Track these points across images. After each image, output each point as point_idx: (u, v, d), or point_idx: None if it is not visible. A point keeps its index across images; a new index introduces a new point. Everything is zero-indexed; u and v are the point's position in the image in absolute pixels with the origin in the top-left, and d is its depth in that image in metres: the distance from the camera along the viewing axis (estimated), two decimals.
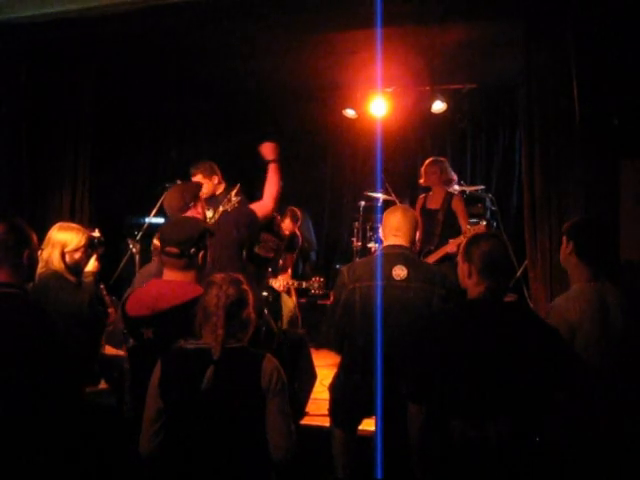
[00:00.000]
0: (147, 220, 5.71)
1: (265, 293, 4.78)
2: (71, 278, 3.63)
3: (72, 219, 5.00)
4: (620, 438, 2.53)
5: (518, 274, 5.52)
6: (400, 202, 6.47)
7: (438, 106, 7.10)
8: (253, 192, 4.01)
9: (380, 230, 3.49)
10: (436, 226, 5.33)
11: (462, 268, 2.42)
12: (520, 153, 6.20)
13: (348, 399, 3.27)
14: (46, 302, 3.26)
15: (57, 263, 3.58)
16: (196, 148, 7.63)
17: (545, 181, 4.34)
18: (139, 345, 2.70)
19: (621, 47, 4.01)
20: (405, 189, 7.53)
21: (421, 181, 5.69)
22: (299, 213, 6.20)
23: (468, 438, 2.21)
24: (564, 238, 2.80)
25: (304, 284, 5.36)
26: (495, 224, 6.51)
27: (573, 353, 2.41)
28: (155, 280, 2.83)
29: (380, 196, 6.86)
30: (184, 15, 4.58)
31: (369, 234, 7.04)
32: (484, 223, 5.19)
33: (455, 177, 5.74)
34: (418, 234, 3.36)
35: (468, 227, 4.98)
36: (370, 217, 7.15)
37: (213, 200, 4.73)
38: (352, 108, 7.57)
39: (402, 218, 3.31)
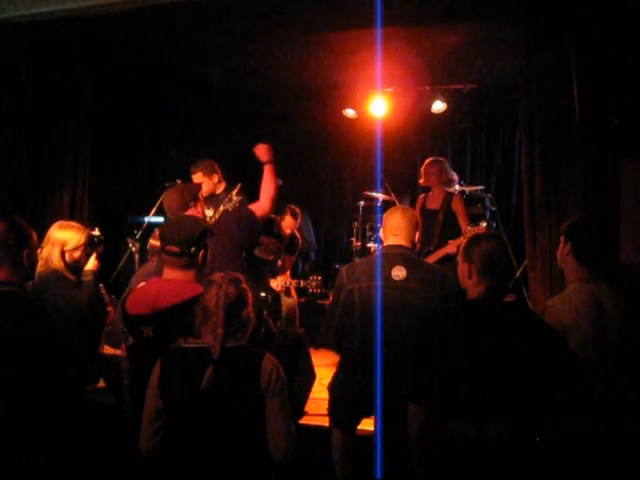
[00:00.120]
0: (147, 219, 5.71)
1: (263, 294, 4.79)
2: (71, 277, 3.64)
3: (72, 218, 4.99)
4: (620, 438, 2.53)
5: (517, 274, 5.52)
6: (400, 202, 6.47)
7: (438, 106, 7.10)
8: (254, 191, 4.01)
9: (380, 231, 3.50)
10: (435, 226, 5.33)
11: (462, 268, 2.42)
12: (520, 153, 6.20)
13: (347, 399, 3.27)
14: (45, 301, 3.27)
15: (57, 262, 3.59)
16: (196, 148, 7.63)
17: (545, 181, 4.34)
18: (139, 344, 2.71)
19: (621, 47, 4.01)
20: (405, 189, 7.53)
21: (421, 181, 5.69)
22: (298, 211, 6.20)
23: (468, 438, 2.21)
24: (562, 238, 2.79)
25: (302, 283, 5.37)
26: (495, 224, 6.51)
27: (573, 353, 2.41)
28: (155, 279, 2.84)
29: (380, 196, 6.85)
30: (184, 15, 4.57)
31: (368, 234, 7.04)
32: (484, 225, 5.18)
33: (455, 177, 5.75)
34: (418, 234, 3.36)
35: (468, 228, 4.98)
36: (370, 217, 7.15)
37: (213, 199, 4.73)
38: (352, 108, 7.57)
39: (401, 218, 3.31)
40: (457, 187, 5.76)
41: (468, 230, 4.90)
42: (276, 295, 5.35)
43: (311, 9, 4.53)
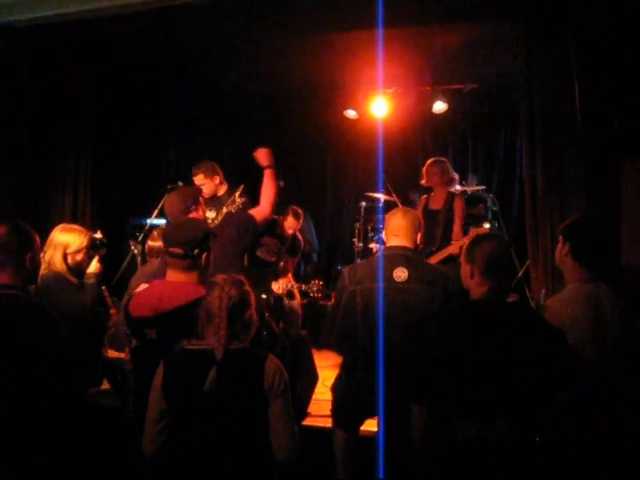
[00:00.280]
0: (149, 221, 5.72)
1: (264, 296, 4.79)
2: (73, 279, 3.64)
3: (74, 221, 5.00)
4: (620, 438, 2.53)
5: (520, 274, 5.52)
6: (401, 203, 6.47)
7: (439, 106, 7.10)
8: (255, 193, 4.02)
9: (383, 232, 3.50)
10: (437, 227, 5.34)
11: (465, 269, 2.42)
12: (521, 153, 6.20)
13: (350, 400, 3.27)
14: (48, 303, 3.26)
15: (59, 265, 3.59)
16: (197, 149, 7.63)
17: (546, 181, 4.34)
18: (142, 346, 2.71)
19: (622, 47, 4.00)
20: (406, 190, 7.53)
21: (423, 182, 5.69)
22: (300, 211, 6.21)
23: (470, 438, 2.21)
24: (560, 238, 2.76)
25: (303, 287, 5.37)
26: (496, 224, 6.50)
27: (575, 353, 2.41)
28: (158, 281, 2.84)
29: (381, 197, 6.86)
30: (184, 16, 4.58)
31: (370, 235, 7.05)
32: (487, 226, 5.20)
33: (457, 177, 5.75)
34: (420, 235, 3.36)
35: (471, 229, 4.99)
36: (371, 218, 7.15)
37: (215, 200, 4.74)
38: (353, 109, 7.57)
39: (402, 219, 3.31)
40: (458, 187, 5.76)
41: (471, 230, 4.91)
42: (278, 297, 5.35)
43: (312, 10, 4.53)
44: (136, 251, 5.49)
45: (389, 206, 6.11)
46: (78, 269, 3.67)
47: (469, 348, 2.24)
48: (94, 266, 3.75)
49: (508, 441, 2.19)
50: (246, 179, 4.36)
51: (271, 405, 2.30)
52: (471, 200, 6.33)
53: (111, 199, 6.21)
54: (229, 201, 3.79)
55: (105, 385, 3.92)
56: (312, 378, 4.22)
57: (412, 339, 2.77)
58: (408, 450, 2.43)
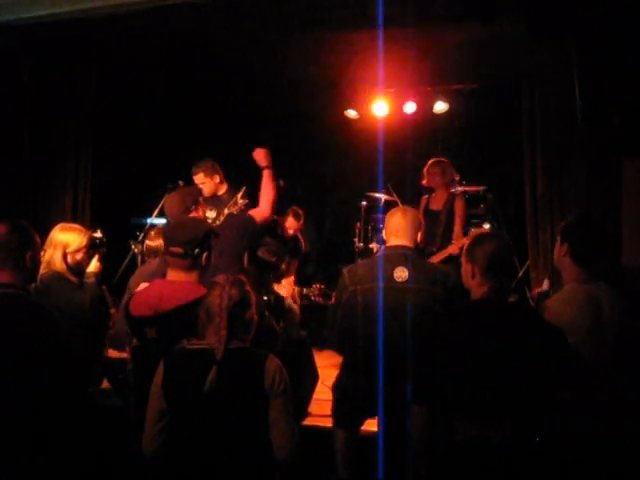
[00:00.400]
0: (149, 221, 5.71)
1: (265, 297, 4.78)
2: (73, 279, 3.64)
3: (74, 220, 5.00)
4: (620, 438, 2.53)
5: (520, 274, 5.51)
6: (402, 203, 6.47)
7: (440, 106, 7.10)
8: (254, 193, 4.02)
9: (383, 232, 3.50)
10: (438, 227, 5.34)
11: (465, 269, 2.42)
12: (521, 153, 6.19)
13: (350, 399, 3.27)
14: (48, 303, 3.26)
15: (59, 264, 3.59)
16: (197, 149, 7.62)
17: (547, 181, 4.34)
18: (142, 345, 2.71)
19: (622, 47, 4.01)
20: (407, 190, 7.52)
21: (423, 182, 5.69)
22: (301, 212, 6.20)
23: (471, 438, 2.21)
24: (558, 238, 2.75)
25: (304, 290, 5.36)
26: (497, 224, 6.50)
27: (576, 353, 2.41)
28: (158, 280, 2.84)
29: (382, 196, 6.85)
30: (184, 16, 4.58)
31: (371, 235, 7.04)
32: (488, 226, 5.21)
33: (457, 177, 5.74)
34: (420, 235, 3.36)
35: (472, 229, 5.00)
36: (372, 217, 7.14)
37: (215, 200, 4.74)
38: (354, 109, 7.57)
39: (402, 219, 3.31)
40: (459, 188, 5.76)
41: (472, 231, 4.91)
42: (279, 297, 5.34)
43: (312, 10, 4.53)
44: (136, 250, 5.49)
45: (389, 206, 6.10)
46: (78, 268, 3.67)
47: (469, 348, 2.24)
48: (94, 265, 3.75)
49: (508, 441, 2.19)
50: (246, 180, 4.35)
51: (271, 404, 2.29)
52: (472, 200, 6.33)
53: (111, 198, 6.20)
54: (231, 202, 3.79)
55: (105, 384, 3.91)
56: (313, 378, 4.22)
57: (412, 339, 2.77)
58: (408, 450, 2.42)
